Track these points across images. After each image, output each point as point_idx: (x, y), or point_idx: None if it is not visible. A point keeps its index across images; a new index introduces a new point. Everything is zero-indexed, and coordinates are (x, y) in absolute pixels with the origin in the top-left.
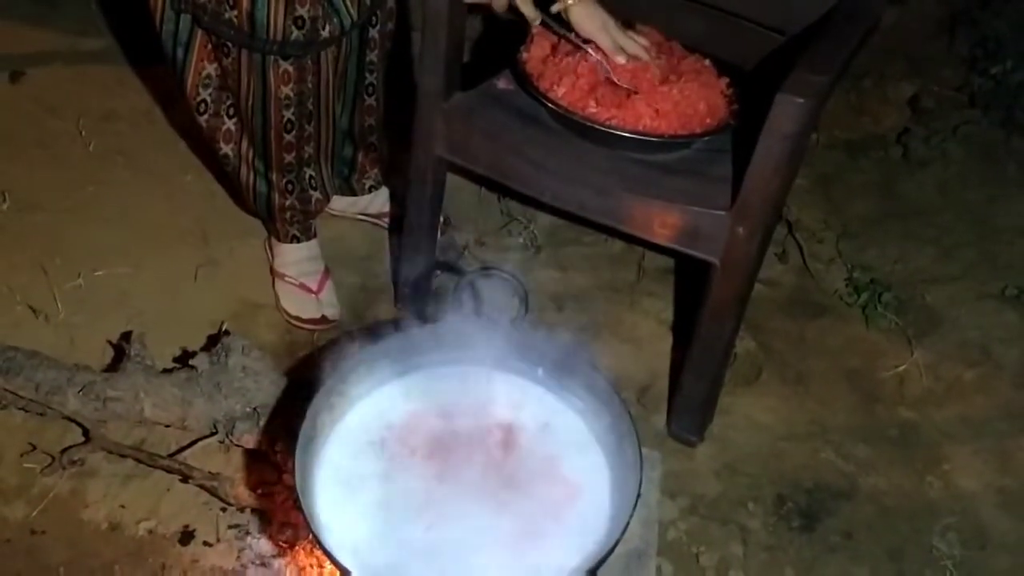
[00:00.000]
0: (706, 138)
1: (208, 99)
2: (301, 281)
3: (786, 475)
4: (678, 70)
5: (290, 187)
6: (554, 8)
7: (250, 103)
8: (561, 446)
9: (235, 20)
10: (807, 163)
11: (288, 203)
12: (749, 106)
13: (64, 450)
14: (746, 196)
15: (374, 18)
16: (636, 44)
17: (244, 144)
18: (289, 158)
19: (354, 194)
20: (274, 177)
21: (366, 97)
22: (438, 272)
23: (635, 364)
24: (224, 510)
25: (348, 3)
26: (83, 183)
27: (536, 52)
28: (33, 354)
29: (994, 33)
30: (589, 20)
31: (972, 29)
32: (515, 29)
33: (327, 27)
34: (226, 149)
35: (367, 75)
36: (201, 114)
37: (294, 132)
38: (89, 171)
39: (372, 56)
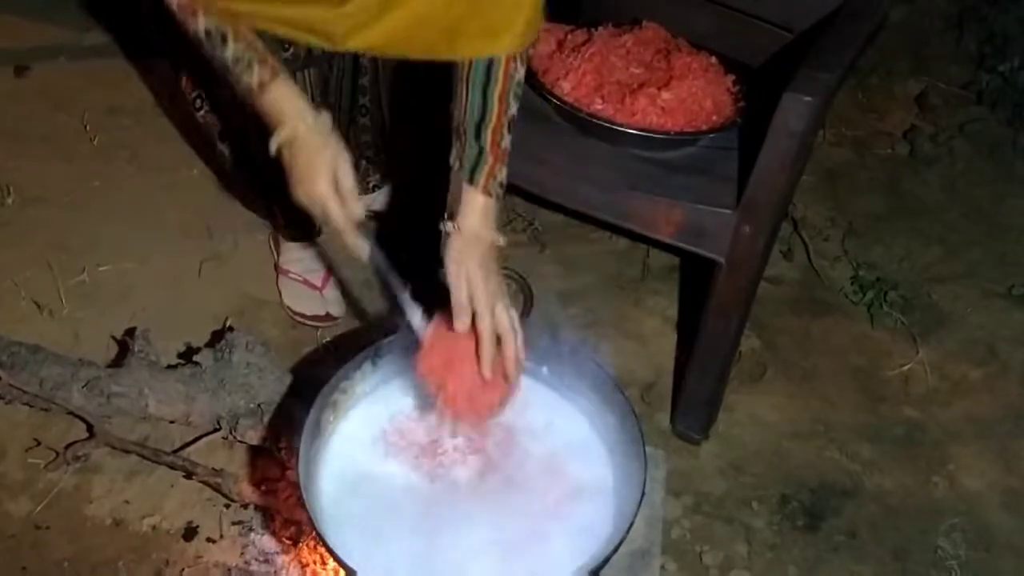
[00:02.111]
0: (712, 135)
1: (204, 96)
2: (305, 277)
3: (790, 474)
4: (684, 68)
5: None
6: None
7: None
8: (565, 444)
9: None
10: (813, 160)
11: (287, 203)
12: (755, 104)
13: (68, 445)
14: (752, 194)
15: None
16: (511, 342)
17: (242, 142)
18: None
19: None
20: (271, 176)
21: (359, 118)
22: (442, 269)
23: (639, 362)
24: (228, 506)
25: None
26: (88, 177)
27: (542, 48)
28: (37, 349)
29: (1002, 30)
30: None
31: (980, 26)
32: None
33: (291, 48)
34: (222, 147)
35: (360, 97)
36: (198, 110)
37: None
38: (94, 165)
39: (363, 80)
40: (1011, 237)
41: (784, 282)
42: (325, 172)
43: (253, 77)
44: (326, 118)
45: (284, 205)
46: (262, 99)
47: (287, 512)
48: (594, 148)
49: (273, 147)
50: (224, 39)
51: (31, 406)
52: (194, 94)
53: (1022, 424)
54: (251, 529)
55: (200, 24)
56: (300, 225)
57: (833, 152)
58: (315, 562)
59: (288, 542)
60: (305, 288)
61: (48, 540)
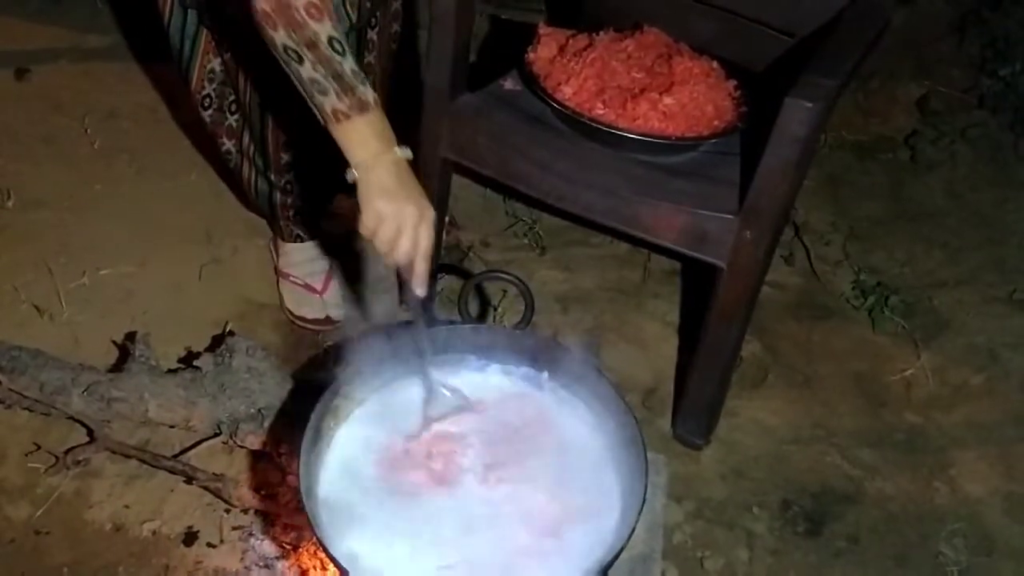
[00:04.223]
0: (714, 140)
1: (212, 94)
2: (306, 281)
3: (792, 479)
4: (685, 72)
5: (289, 186)
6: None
7: (248, 100)
8: (566, 450)
9: (234, 17)
10: (814, 164)
11: (289, 201)
12: (757, 109)
13: (68, 450)
14: (754, 200)
15: (373, 20)
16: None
17: (246, 140)
18: (287, 157)
19: None
20: (273, 176)
21: None
22: (443, 274)
23: (640, 366)
24: (228, 511)
25: (348, 5)
26: (88, 181)
27: (543, 53)
28: (38, 353)
29: (1004, 34)
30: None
31: (982, 30)
32: (522, 30)
33: None
34: (228, 145)
35: (367, 77)
36: (205, 109)
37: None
38: (94, 169)
39: (370, 58)
40: (1012, 242)
41: (785, 287)
42: (410, 228)
43: (327, 104)
44: (406, 153)
45: (292, 199)
46: (336, 128)
47: (287, 517)
48: (595, 153)
49: (364, 170)
50: (300, 59)
51: (31, 410)
52: (203, 92)
53: (1023, 429)
54: (251, 534)
55: (278, 38)
56: (305, 222)
57: (834, 156)
58: (315, 567)
59: (288, 547)
60: (305, 292)
61: (48, 545)
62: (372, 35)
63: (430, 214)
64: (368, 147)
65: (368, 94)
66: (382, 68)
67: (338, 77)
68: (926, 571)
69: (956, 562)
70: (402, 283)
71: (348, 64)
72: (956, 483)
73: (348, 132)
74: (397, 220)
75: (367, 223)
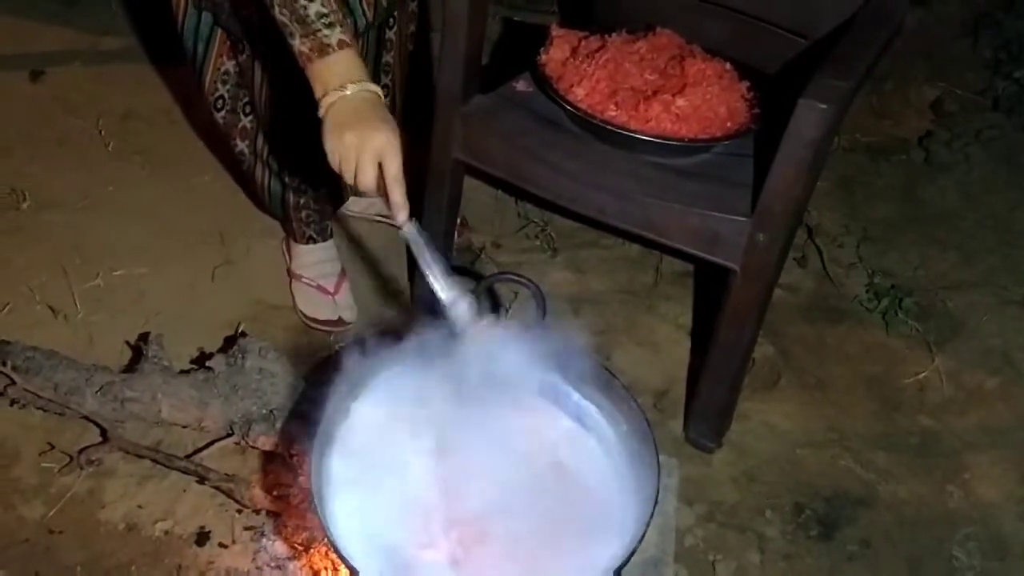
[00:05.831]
0: (726, 142)
1: (225, 95)
2: (318, 282)
3: (804, 482)
4: (698, 74)
5: (303, 187)
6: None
7: (263, 101)
8: (577, 452)
9: (251, 18)
10: (828, 166)
11: (303, 202)
12: (770, 110)
13: (82, 450)
14: (767, 202)
15: (391, 19)
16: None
17: (259, 142)
18: (301, 158)
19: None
20: (287, 177)
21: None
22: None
23: (652, 369)
24: (240, 512)
25: (364, 4)
26: (102, 182)
27: (556, 54)
28: (52, 354)
29: (1018, 36)
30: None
31: (995, 32)
32: (534, 32)
33: None
34: (242, 146)
35: (382, 76)
36: (218, 110)
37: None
38: (108, 170)
39: (388, 58)
40: None
41: (798, 289)
42: (369, 155)
43: (295, 47)
44: (368, 88)
45: (305, 201)
46: (306, 70)
47: (299, 518)
48: (608, 155)
49: (323, 108)
50: (272, 4)
51: (45, 410)
52: (216, 94)
53: None
54: (263, 534)
55: None
56: (318, 223)
57: (848, 158)
58: (326, 568)
59: (300, 548)
60: (318, 293)
61: (61, 544)
62: (390, 34)
63: (385, 138)
64: (327, 88)
65: (332, 37)
66: (401, 67)
67: (302, 21)
68: (939, 575)
69: (969, 567)
70: (413, 285)
71: (315, 7)
72: (970, 487)
73: (312, 74)
74: (355, 152)
75: (330, 162)
